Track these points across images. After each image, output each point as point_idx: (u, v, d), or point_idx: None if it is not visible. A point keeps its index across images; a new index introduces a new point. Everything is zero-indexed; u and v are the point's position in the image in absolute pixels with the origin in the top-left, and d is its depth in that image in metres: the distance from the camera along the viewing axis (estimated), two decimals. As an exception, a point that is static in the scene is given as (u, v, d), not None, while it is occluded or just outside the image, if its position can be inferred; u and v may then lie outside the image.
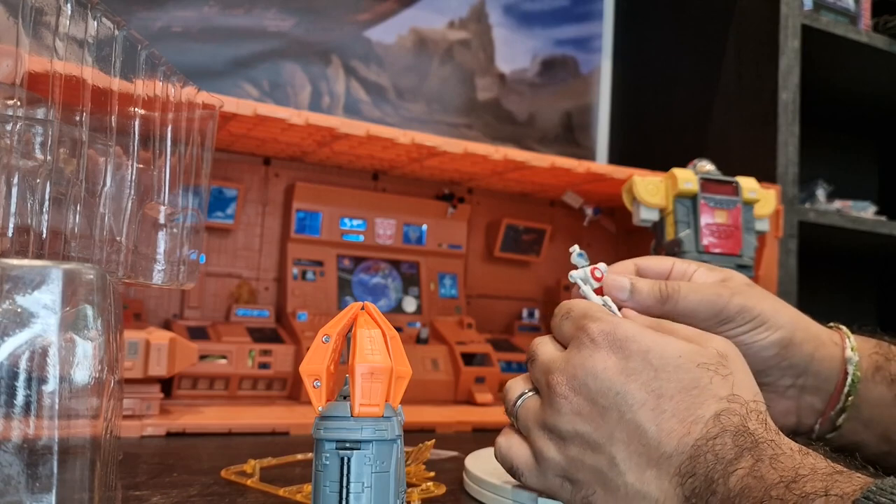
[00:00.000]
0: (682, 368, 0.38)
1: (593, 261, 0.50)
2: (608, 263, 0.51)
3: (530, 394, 0.44)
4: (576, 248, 0.49)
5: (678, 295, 0.47)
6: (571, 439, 0.40)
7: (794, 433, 0.53)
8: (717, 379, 0.38)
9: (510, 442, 0.44)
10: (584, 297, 0.47)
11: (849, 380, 0.51)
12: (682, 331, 0.42)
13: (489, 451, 0.62)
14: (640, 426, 0.38)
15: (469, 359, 1.04)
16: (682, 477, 0.36)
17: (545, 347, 0.44)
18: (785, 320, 0.49)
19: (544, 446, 0.41)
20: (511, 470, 0.44)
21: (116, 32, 0.46)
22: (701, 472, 0.35)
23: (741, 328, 0.48)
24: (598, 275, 0.48)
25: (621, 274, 0.49)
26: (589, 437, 0.39)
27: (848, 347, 0.52)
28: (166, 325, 0.96)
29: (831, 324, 0.55)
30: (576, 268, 0.49)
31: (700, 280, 0.50)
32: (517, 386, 0.46)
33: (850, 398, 0.51)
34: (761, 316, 0.48)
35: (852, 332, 0.55)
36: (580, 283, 0.48)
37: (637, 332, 0.40)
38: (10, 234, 0.39)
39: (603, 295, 0.48)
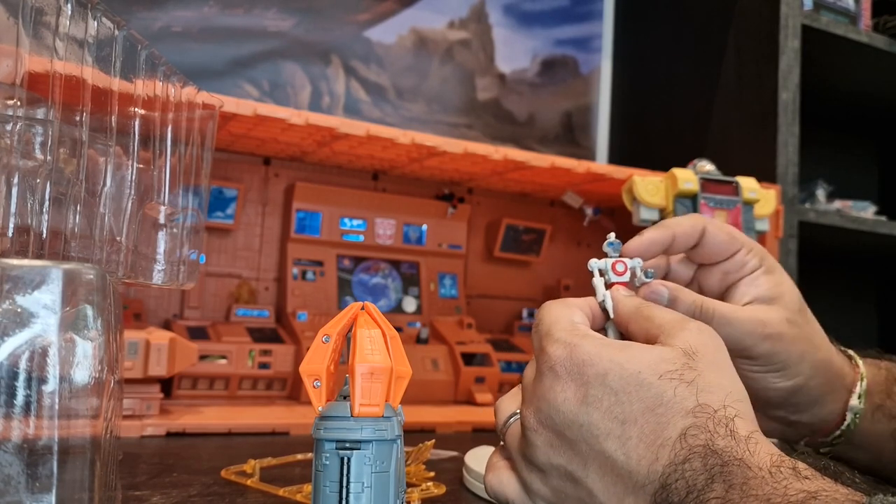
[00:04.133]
0: (644, 385, 0.36)
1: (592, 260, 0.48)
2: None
3: (519, 415, 0.43)
4: (611, 236, 0.47)
5: (712, 320, 0.46)
6: (550, 471, 0.39)
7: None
8: (682, 388, 0.36)
9: (500, 478, 0.43)
10: (594, 288, 0.46)
11: (844, 426, 0.51)
12: (657, 318, 0.41)
13: (489, 448, 0.63)
14: (609, 456, 0.36)
15: (469, 359, 1.04)
16: None
17: (528, 368, 0.43)
18: (805, 368, 0.49)
19: (528, 477, 0.41)
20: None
21: (116, 32, 0.46)
22: (675, 500, 0.34)
23: (758, 368, 0.48)
24: (619, 269, 0.46)
25: (658, 258, 0.48)
26: (565, 469, 0.38)
27: (856, 395, 0.52)
28: (166, 325, 0.96)
29: (851, 353, 0.54)
30: (606, 255, 0.47)
31: (749, 294, 0.49)
32: (507, 406, 0.45)
33: (840, 438, 0.52)
34: (784, 363, 0.48)
35: (868, 354, 0.54)
36: (596, 272, 0.46)
37: (595, 353, 0.38)
38: (10, 234, 0.39)
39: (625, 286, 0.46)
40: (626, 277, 0.47)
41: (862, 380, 0.52)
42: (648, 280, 0.47)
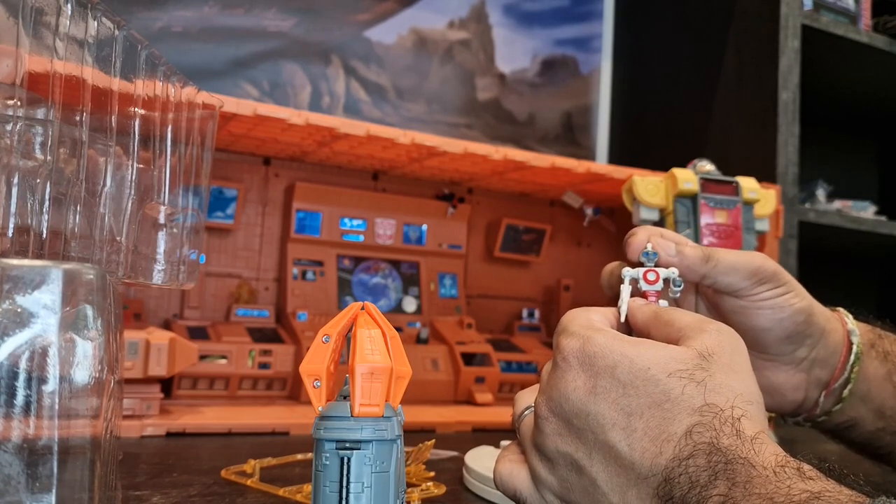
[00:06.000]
0: (652, 381, 0.37)
1: (598, 259, 0.49)
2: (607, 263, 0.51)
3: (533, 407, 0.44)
4: (648, 246, 0.48)
5: (717, 254, 0.48)
6: (557, 460, 0.40)
7: (798, 410, 0.55)
8: (691, 387, 0.37)
9: (510, 469, 0.44)
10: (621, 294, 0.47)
11: (854, 349, 0.53)
12: (678, 322, 0.41)
13: (489, 448, 0.63)
14: (614, 447, 0.37)
15: (469, 359, 1.04)
16: (661, 499, 0.35)
17: (547, 363, 0.44)
18: (805, 292, 0.52)
19: (537, 466, 0.41)
20: (515, 496, 0.44)
21: (116, 32, 0.46)
22: (678, 495, 0.34)
23: (778, 289, 0.49)
24: (650, 278, 0.47)
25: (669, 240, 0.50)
26: (571, 458, 0.39)
27: (849, 322, 0.55)
28: (166, 325, 0.96)
29: (828, 307, 0.57)
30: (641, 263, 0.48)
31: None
32: (524, 399, 0.46)
33: (854, 369, 0.53)
34: (791, 283, 0.50)
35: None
36: (627, 280, 0.47)
37: (607, 346, 0.39)
38: (10, 234, 0.39)
39: (652, 298, 0.47)
40: (658, 287, 0.47)
41: (847, 315, 0.56)
42: (678, 289, 0.48)
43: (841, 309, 0.56)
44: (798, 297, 0.50)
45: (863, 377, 0.54)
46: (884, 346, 0.55)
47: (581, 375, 0.39)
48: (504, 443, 0.48)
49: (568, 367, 0.40)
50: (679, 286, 0.48)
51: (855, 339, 0.54)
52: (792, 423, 0.57)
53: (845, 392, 0.53)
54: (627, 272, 0.48)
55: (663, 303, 0.47)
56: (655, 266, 0.48)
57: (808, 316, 0.51)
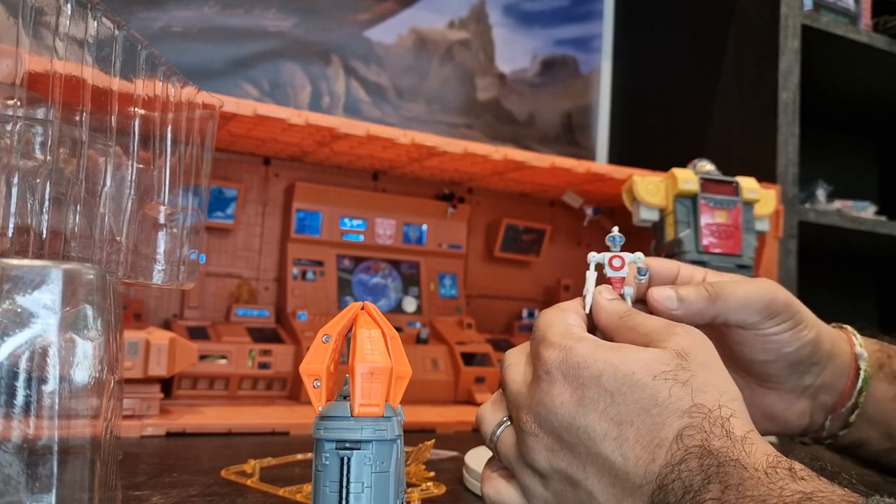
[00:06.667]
0: (638, 386, 0.37)
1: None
2: None
3: (507, 423, 0.43)
4: (615, 230, 0.46)
5: (725, 292, 0.46)
6: (551, 476, 0.39)
7: (804, 433, 0.54)
8: (677, 388, 0.36)
9: (497, 487, 0.43)
10: (586, 280, 0.46)
11: (861, 375, 0.52)
12: (643, 327, 0.41)
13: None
14: (607, 458, 0.36)
15: (469, 359, 1.04)
16: None
17: (514, 374, 0.43)
18: (813, 319, 0.50)
19: (530, 483, 0.40)
20: None
21: (116, 32, 0.46)
22: (672, 501, 0.34)
23: (787, 323, 0.47)
24: (616, 264, 0.45)
25: (661, 285, 0.47)
26: (565, 472, 0.38)
27: (857, 344, 0.53)
28: (166, 325, 0.96)
29: (834, 324, 0.55)
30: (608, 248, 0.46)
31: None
32: (491, 415, 0.44)
33: (861, 394, 0.52)
34: (801, 313, 0.48)
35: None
36: (592, 266, 0.46)
37: (589, 355, 0.38)
38: (10, 234, 0.39)
39: (618, 285, 0.45)
40: (624, 273, 0.46)
41: (855, 335, 0.53)
42: (642, 278, 0.46)
43: (848, 327, 0.54)
44: (808, 329, 0.48)
45: (870, 400, 0.52)
46: (892, 367, 0.53)
47: (567, 388, 0.38)
48: None
49: (552, 380, 0.39)
50: (644, 274, 0.46)
51: (863, 364, 0.52)
52: (797, 442, 0.56)
53: (852, 417, 0.52)
54: (593, 257, 0.46)
55: (628, 290, 0.46)
56: (621, 251, 0.46)
57: (815, 345, 0.49)
